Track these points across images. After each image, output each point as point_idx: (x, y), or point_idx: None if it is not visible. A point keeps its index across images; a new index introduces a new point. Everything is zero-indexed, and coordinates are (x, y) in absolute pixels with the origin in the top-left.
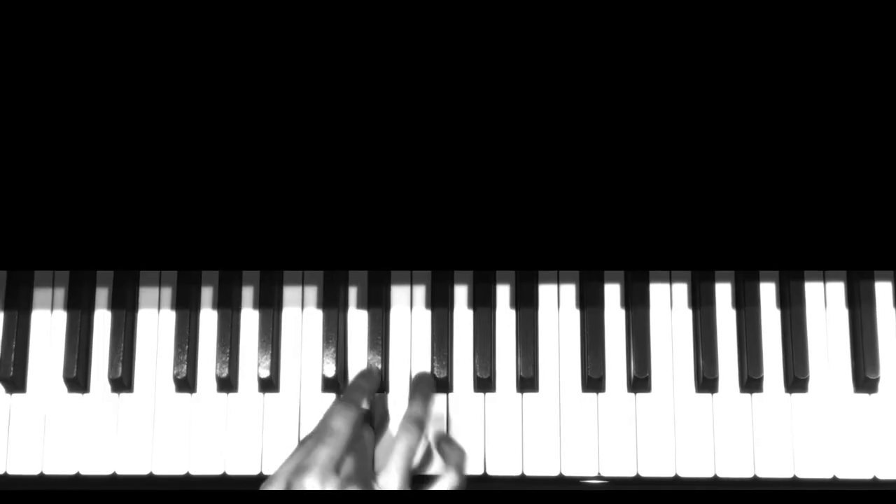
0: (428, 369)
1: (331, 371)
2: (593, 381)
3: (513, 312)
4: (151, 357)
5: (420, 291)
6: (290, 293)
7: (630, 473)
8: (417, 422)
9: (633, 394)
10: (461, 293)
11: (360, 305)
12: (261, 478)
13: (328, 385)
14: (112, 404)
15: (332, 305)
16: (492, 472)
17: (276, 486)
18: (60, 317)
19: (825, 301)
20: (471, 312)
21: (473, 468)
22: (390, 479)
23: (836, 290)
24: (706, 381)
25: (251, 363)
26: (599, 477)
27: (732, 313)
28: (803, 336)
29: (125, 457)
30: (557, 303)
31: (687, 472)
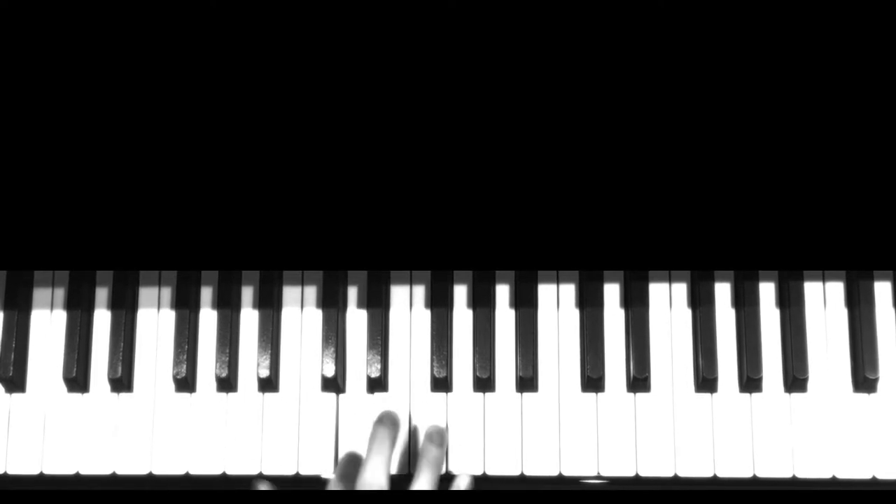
0: (427, 369)
1: (330, 371)
2: (593, 380)
3: (512, 312)
4: (151, 357)
5: (420, 291)
6: (290, 293)
7: (629, 473)
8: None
9: (632, 393)
10: (461, 293)
11: (359, 305)
12: (261, 477)
13: (328, 385)
14: (112, 404)
15: (332, 305)
16: (491, 472)
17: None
18: (60, 317)
19: (824, 301)
20: (470, 312)
21: (473, 468)
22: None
23: (836, 290)
24: (705, 380)
25: (251, 363)
26: (599, 477)
27: (732, 313)
28: (802, 336)
29: (125, 456)
30: (557, 303)
31: (686, 471)
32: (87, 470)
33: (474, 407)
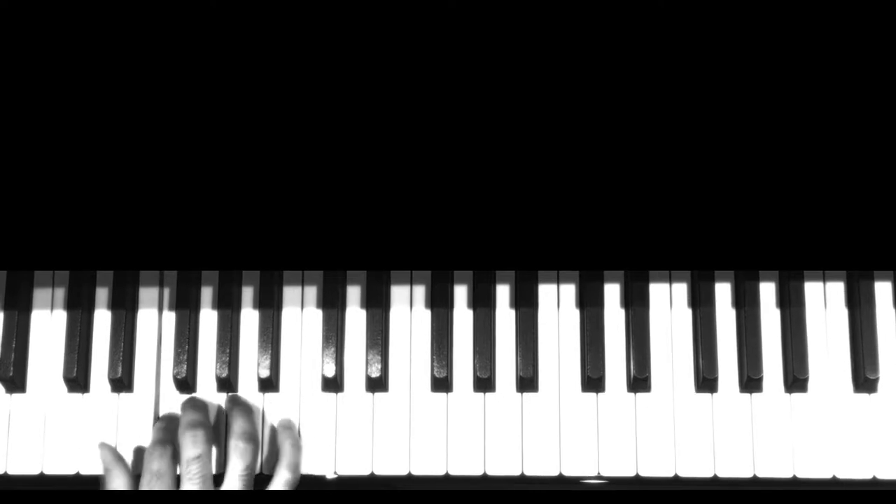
0: (427, 369)
1: (331, 371)
2: (593, 380)
3: (512, 312)
4: (151, 357)
5: (420, 291)
6: (290, 293)
7: (630, 473)
8: (249, 435)
9: (632, 393)
10: (461, 293)
11: (359, 305)
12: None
13: (328, 385)
14: (112, 404)
15: (332, 305)
16: (491, 472)
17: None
18: (60, 317)
19: (825, 301)
20: (470, 312)
21: (474, 468)
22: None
23: (836, 290)
24: (706, 380)
25: (251, 363)
26: (599, 477)
27: (732, 313)
28: (803, 336)
29: (125, 456)
30: (557, 303)
31: (686, 471)
32: (87, 470)
33: (474, 407)
